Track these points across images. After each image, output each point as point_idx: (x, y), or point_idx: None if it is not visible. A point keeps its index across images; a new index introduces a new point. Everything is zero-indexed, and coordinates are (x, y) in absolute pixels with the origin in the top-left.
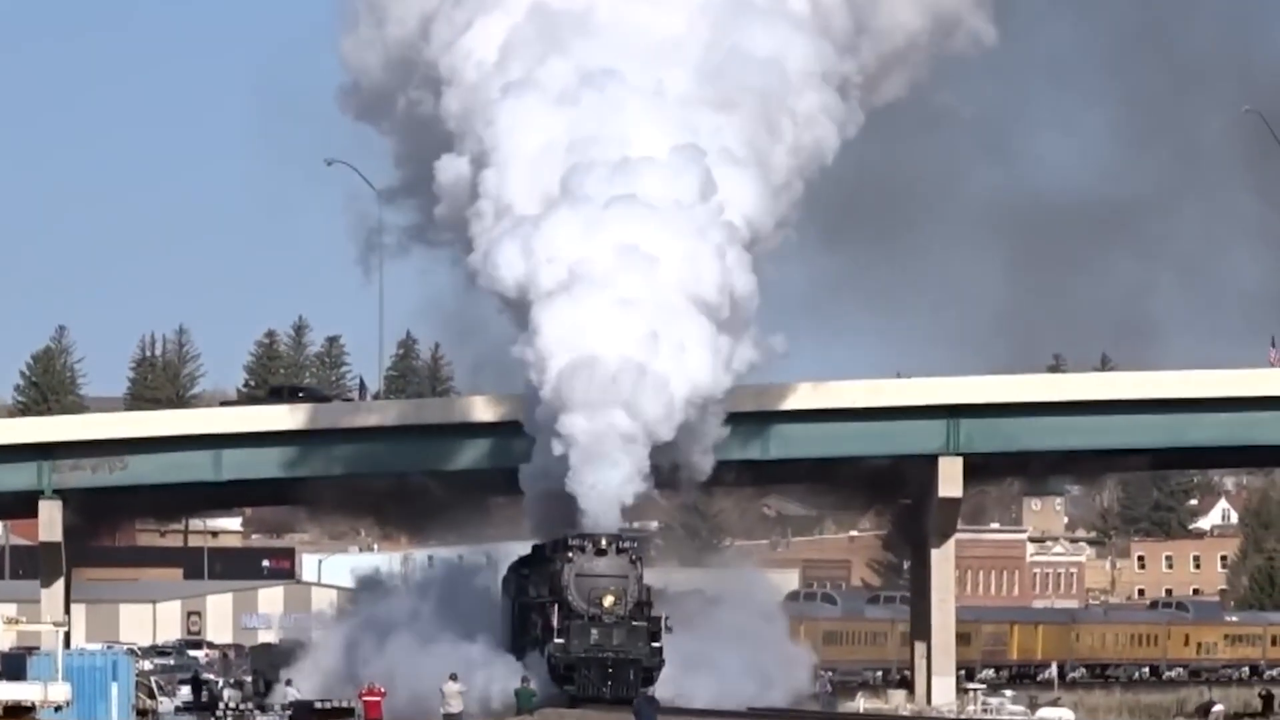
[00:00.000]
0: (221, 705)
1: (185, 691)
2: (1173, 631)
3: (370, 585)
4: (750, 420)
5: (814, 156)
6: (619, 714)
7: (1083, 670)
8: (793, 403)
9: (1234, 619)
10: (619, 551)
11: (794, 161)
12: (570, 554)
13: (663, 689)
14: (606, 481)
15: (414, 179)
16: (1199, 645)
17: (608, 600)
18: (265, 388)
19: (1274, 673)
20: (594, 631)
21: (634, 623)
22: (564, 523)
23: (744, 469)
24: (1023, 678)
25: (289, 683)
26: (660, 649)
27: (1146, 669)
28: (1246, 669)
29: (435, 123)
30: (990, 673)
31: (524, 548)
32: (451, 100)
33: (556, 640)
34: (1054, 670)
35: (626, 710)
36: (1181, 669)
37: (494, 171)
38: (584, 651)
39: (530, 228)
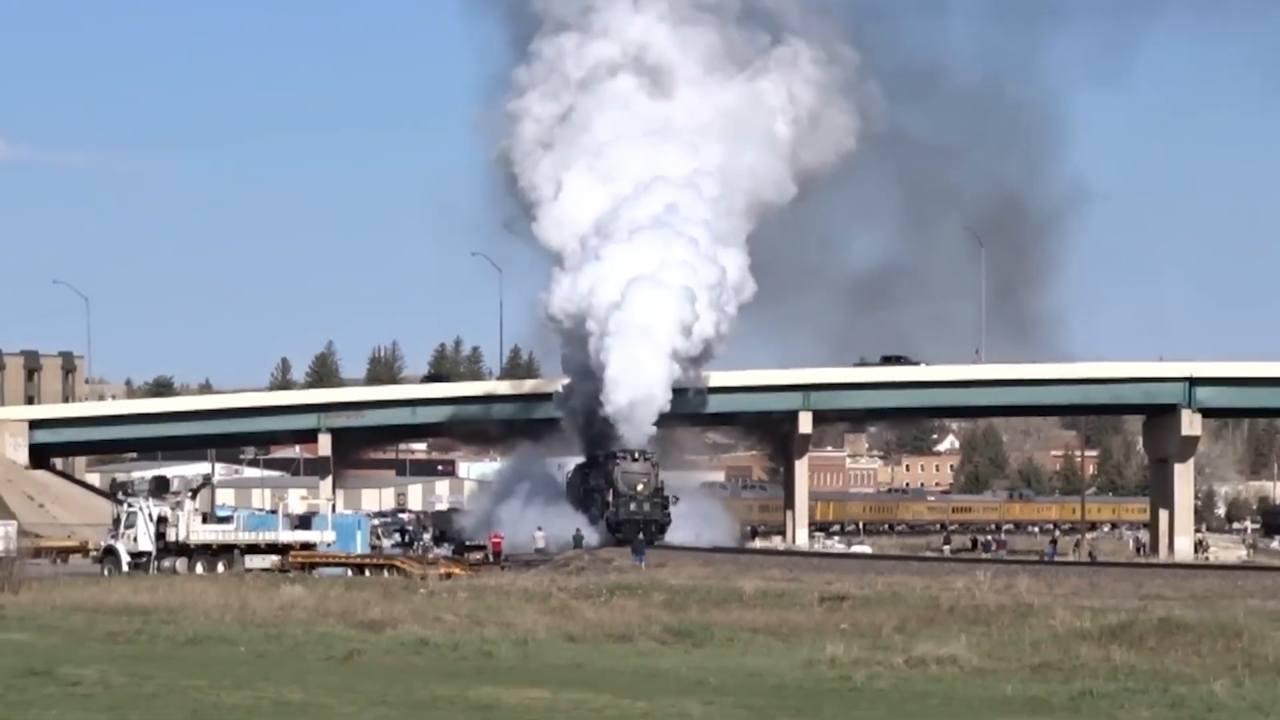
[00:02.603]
0: (417, 544)
1: (397, 536)
2: (899, 506)
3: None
4: (702, 392)
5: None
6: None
7: (854, 526)
8: (717, 382)
9: (933, 499)
10: (645, 459)
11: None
12: (618, 460)
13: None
14: (642, 415)
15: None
16: (912, 512)
17: (640, 486)
18: (439, 379)
19: (953, 528)
20: (632, 504)
21: (654, 499)
22: (603, 444)
23: (693, 417)
24: (821, 529)
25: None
26: (669, 514)
27: (886, 525)
28: (939, 525)
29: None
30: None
31: (574, 459)
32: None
33: (611, 509)
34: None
35: (658, 548)
36: (905, 526)
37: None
38: (627, 516)
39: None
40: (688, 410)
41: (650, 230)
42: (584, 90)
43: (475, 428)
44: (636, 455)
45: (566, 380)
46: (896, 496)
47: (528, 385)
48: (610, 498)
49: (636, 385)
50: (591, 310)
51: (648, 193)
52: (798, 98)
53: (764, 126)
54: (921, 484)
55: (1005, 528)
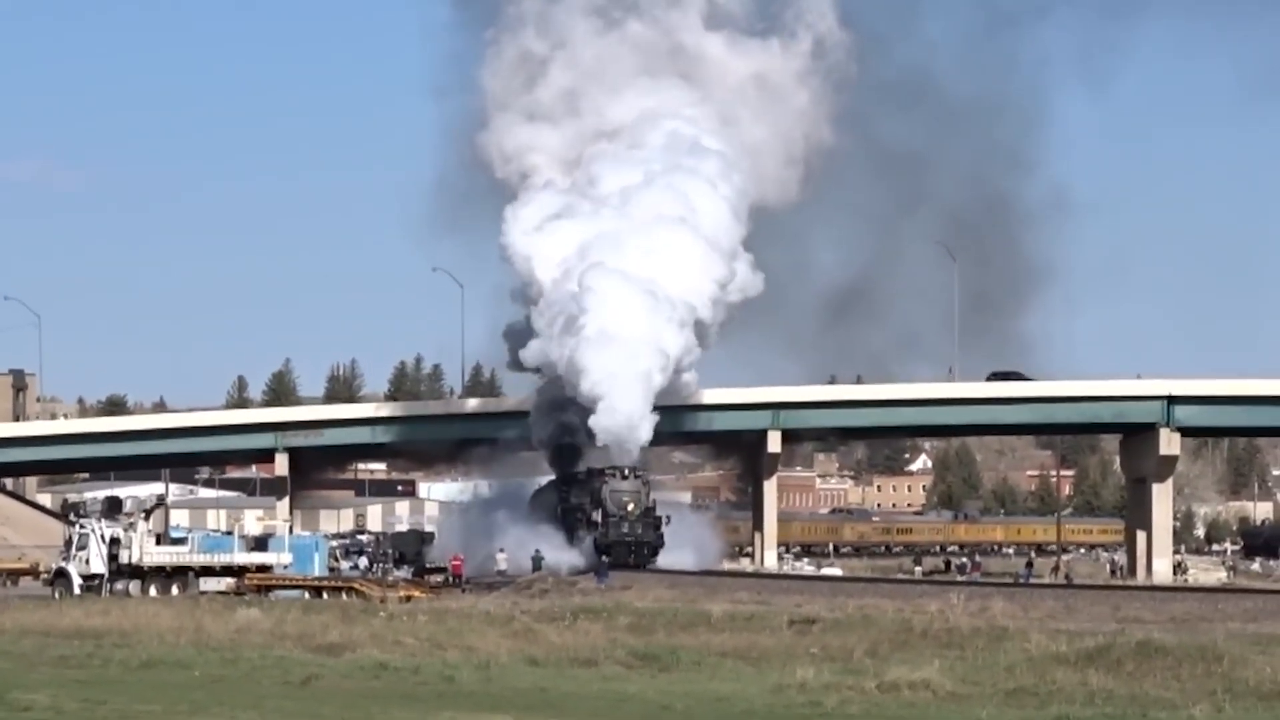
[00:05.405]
0: (375, 565)
1: (355, 559)
2: (844, 527)
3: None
4: (671, 410)
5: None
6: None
7: (798, 548)
8: (690, 401)
9: (877, 519)
10: (635, 477)
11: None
12: (606, 479)
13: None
14: (632, 429)
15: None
16: (860, 534)
17: (630, 506)
18: (400, 398)
19: (898, 549)
20: (623, 525)
21: (645, 520)
22: (573, 460)
23: (666, 436)
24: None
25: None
26: (661, 535)
27: (833, 545)
28: (884, 547)
29: None
30: None
31: (542, 478)
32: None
33: (600, 530)
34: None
35: (638, 571)
36: (851, 547)
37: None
38: (617, 537)
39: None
40: (666, 428)
41: (644, 185)
42: (558, 30)
43: (437, 448)
44: (626, 473)
45: (531, 386)
46: (841, 517)
47: (507, 403)
48: (598, 518)
49: (626, 394)
50: (565, 297)
51: (643, 139)
52: (819, 67)
53: (784, 94)
54: (893, 504)
55: (950, 549)
